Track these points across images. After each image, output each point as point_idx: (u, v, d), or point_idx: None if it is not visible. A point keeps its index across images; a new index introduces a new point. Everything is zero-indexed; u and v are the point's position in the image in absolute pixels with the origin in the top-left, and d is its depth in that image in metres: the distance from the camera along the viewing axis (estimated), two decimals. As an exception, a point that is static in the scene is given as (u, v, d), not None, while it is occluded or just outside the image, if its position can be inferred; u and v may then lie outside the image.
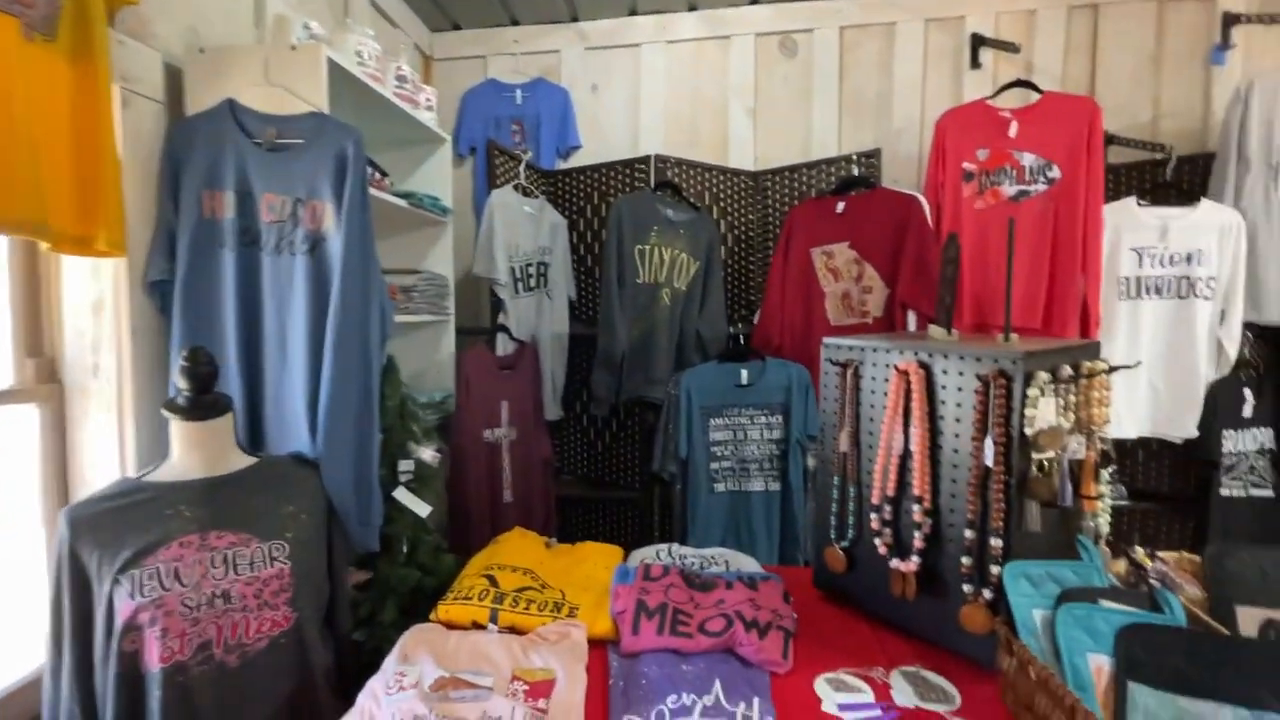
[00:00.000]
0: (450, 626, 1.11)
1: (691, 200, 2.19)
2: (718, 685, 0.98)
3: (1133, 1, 2.29)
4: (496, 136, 2.46)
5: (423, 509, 1.48)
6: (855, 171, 2.14)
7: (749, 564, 1.41)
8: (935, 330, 1.22)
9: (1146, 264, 2.02)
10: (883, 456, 1.12)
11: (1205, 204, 1.99)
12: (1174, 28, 2.32)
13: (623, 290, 2.04)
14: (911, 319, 1.99)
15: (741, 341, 2.19)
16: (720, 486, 2.05)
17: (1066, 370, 1.03)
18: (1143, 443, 2.20)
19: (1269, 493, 2.11)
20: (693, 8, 2.41)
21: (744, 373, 2.02)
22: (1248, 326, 2.05)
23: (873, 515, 1.14)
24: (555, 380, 2.21)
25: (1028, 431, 0.97)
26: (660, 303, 2.09)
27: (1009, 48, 2.28)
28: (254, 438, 1.31)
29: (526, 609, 1.15)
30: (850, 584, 1.23)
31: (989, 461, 0.99)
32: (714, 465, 2.04)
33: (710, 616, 1.11)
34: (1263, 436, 2.10)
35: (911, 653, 1.11)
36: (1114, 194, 2.12)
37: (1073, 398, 1.04)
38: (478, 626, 1.12)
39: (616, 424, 2.30)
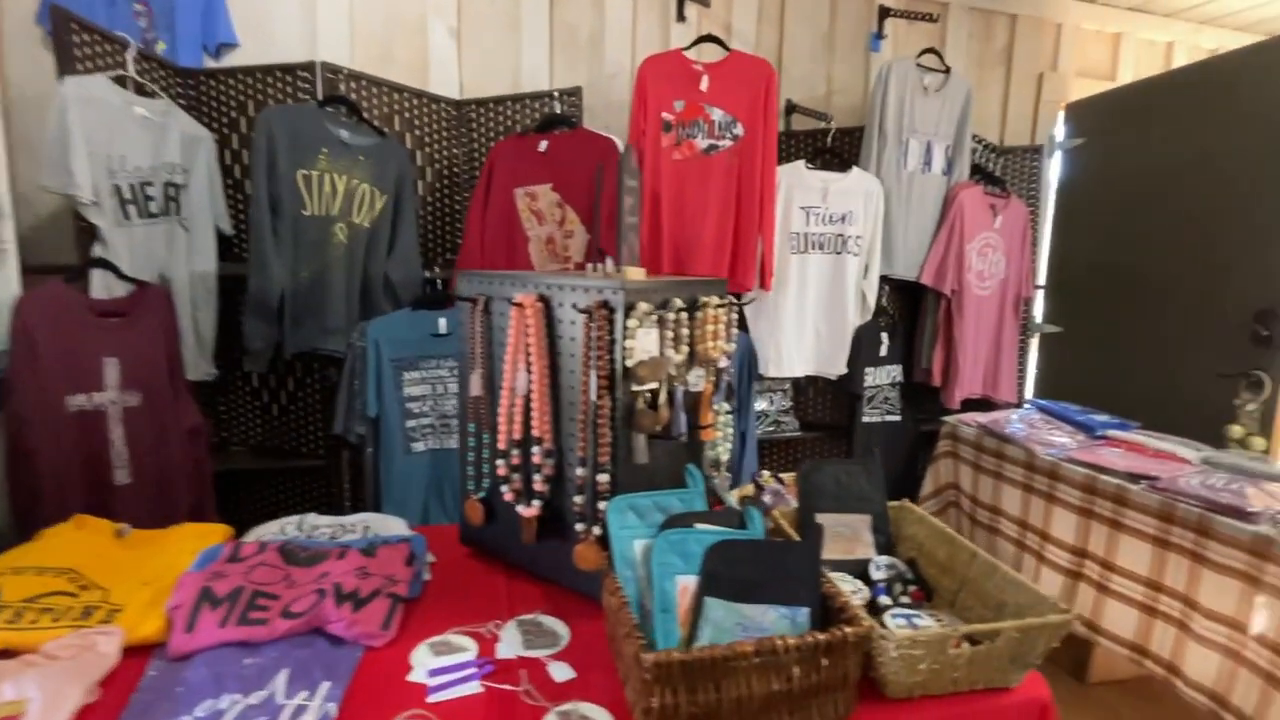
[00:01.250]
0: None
1: (377, 124, 1.91)
2: (282, 676, 0.82)
3: (811, -17, 2.51)
4: (111, 14, 1.88)
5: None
6: (558, 109, 2.05)
7: (396, 527, 1.26)
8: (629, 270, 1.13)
9: (813, 222, 2.26)
10: (506, 398, 1.04)
11: (855, 171, 2.28)
12: (844, 14, 2.60)
13: (279, 221, 1.71)
14: (610, 267, 1.98)
15: (440, 287, 2.00)
16: (419, 446, 1.87)
17: (677, 303, 1.03)
18: (812, 380, 2.51)
19: (898, 418, 2.56)
20: (380, -102, 2.08)
21: (441, 321, 1.84)
22: (885, 280, 2.43)
23: (499, 461, 1.06)
24: (202, 331, 1.80)
25: (628, 363, 0.95)
26: (334, 240, 1.80)
27: (703, 2, 2.35)
28: None
29: (35, 622, 0.87)
30: (490, 536, 1.16)
31: (592, 395, 0.95)
32: (410, 423, 1.85)
33: (302, 595, 0.94)
34: (894, 372, 2.54)
35: (540, 598, 1.06)
36: (796, 158, 2.33)
37: (685, 331, 1.06)
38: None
39: (294, 382, 1.98)
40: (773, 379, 2.38)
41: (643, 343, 0.94)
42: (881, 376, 2.49)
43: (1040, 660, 0.85)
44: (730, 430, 1.21)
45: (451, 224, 2.17)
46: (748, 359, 2.27)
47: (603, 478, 0.97)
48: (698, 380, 1.13)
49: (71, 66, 1.47)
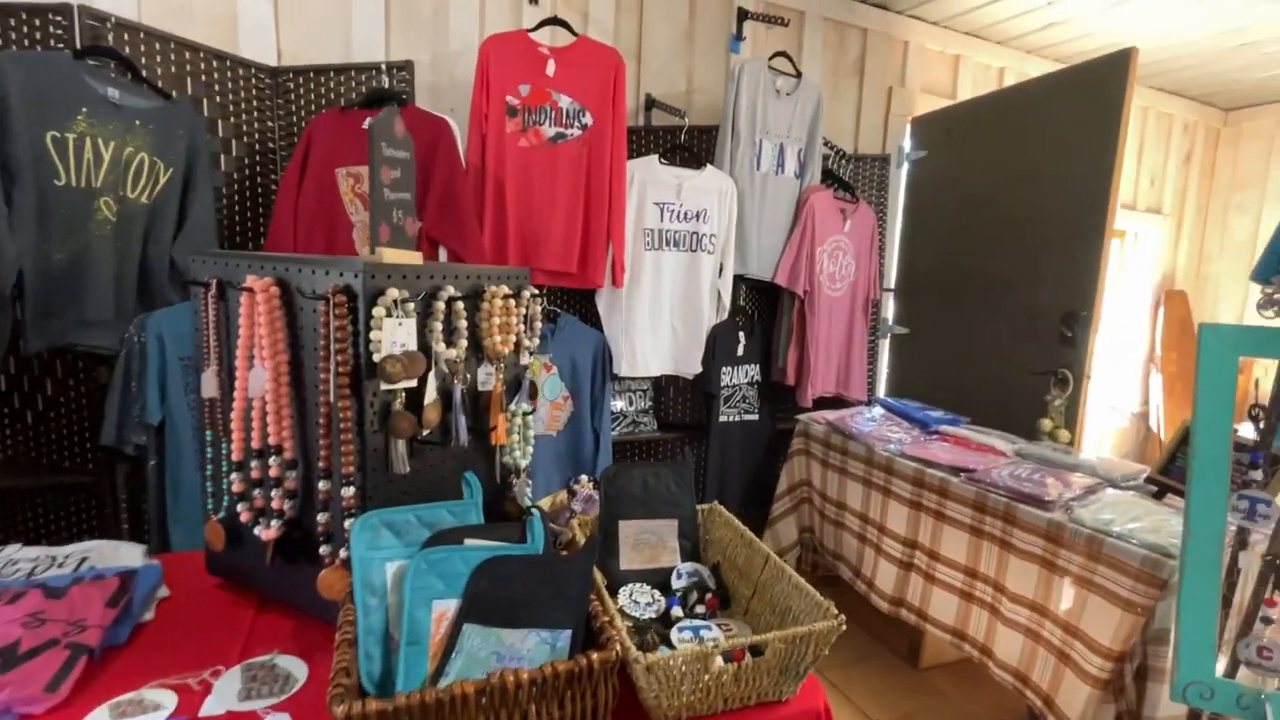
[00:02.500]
0: None
1: (160, 85, 1.65)
2: None
3: (671, -22, 2.48)
4: None
5: None
6: (386, 83, 1.87)
7: (128, 556, 1.05)
8: (390, 252, 0.98)
9: (667, 218, 2.22)
10: (240, 400, 0.88)
11: (710, 169, 2.26)
12: (703, 12, 2.59)
13: (17, 188, 1.42)
14: (443, 255, 1.83)
15: (243, 275, 1.77)
16: (217, 456, 1.62)
17: (449, 291, 0.92)
18: (672, 380, 2.48)
19: (755, 417, 2.58)
20: None
21: (243, 314, 1.61)
22: (741, 279, 2.43)
23: (234, 476, 0.90)
24: (-83, 323, 1.46)
25: (375, 358, 0.82)
26: (98, 216, 1.53)
27: (552, -16, 2.25)
28: None
29: None
30: (235, 563, 0.98)
31: (332, 396, 0.82)
32: (205, 430, 1.61)
33: (-67, 655, 0.74)
34: (752, 371, 2.55)
35: (287, 634, 0.91)
36: (652, 152, 2.28)
37: (463, 323, 0.94)
38: None
39: (52, 384, 1.67)
40: (631, 378, 2.32)
41: (393, 335, 0.82)
42: (739, 376, 2.50)
43: (812, 668, 0.81)
44: (531, 434, 1.11)
45: (265, 205, 1.93)
46: (602, 357, 2.19)
47: (348, 491, 0.83)
48: (486, 378, 1.02)
49: None
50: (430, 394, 0.88)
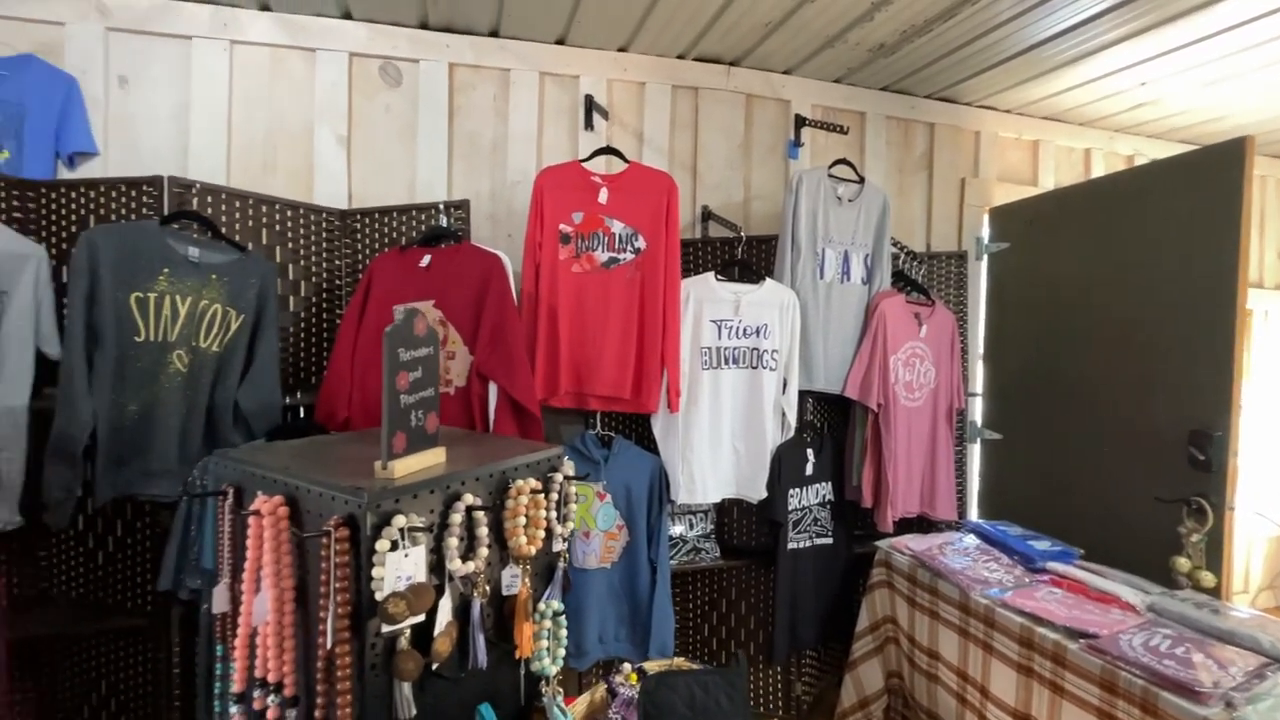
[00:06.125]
0: None
1: (238, 239, 1.75)
2: None
3: (725, 91, 2.49)
4: (-49, 125, 1.74)
5: None
6: (443, 222, 1.92)
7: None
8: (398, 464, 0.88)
9: (725, 335, 2.12)
10: (244, 626, 0.82)
11: (769, 282, 2.17)
12: (759, 120, 2.57)
13: (99, 350, 1.50)
14: (493, 392, 1.80)
15: (301, 415, 1.80)
16: (267, 599, 1.60)
17: (468, 500, 0.84)
18: (736, 500, 2.31)
19: (829, 540, 2.35)
20: (265, 7, 2.00)
21: (299, 455, 1.63)
22: (807, 393, 2.28)
23: (234, 709, 0.83)
24: (7, 474, 1.55)
25: (377, 597, 0.74)
26: (169, 369, 1.60)
27: (604, 114, 2.30)
28: None
29: None
30: (239, 793, 0.90)
31: (329, 640, 0.74)
32: (256, 573, 1.60)
33: None
34: (823, 490, 2.35)
35: None
36: (711, 266, 2.22)
37: (484, 530, 0.86)
38: None
39: (122, 526, 1.72)
40: (690, 505, 2.18)
41: (397, 569, 0.74)
42: (809, 497, 2.30)
43: None
44: (564, 633, 0.99)
45: (329, 340, 1.99)
46: (658, 484, 2.07)
47: (346, 747, 0.74)
48: (512, 581, 0.92)
49: None
50: (440, 624, 0.79)
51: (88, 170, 1.89)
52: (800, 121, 2.57)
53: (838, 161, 2.28)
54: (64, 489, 1.48)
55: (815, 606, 2.30)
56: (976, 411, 2.73)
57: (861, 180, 2.31)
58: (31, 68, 1.81)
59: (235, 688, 0.82)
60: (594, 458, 2.01)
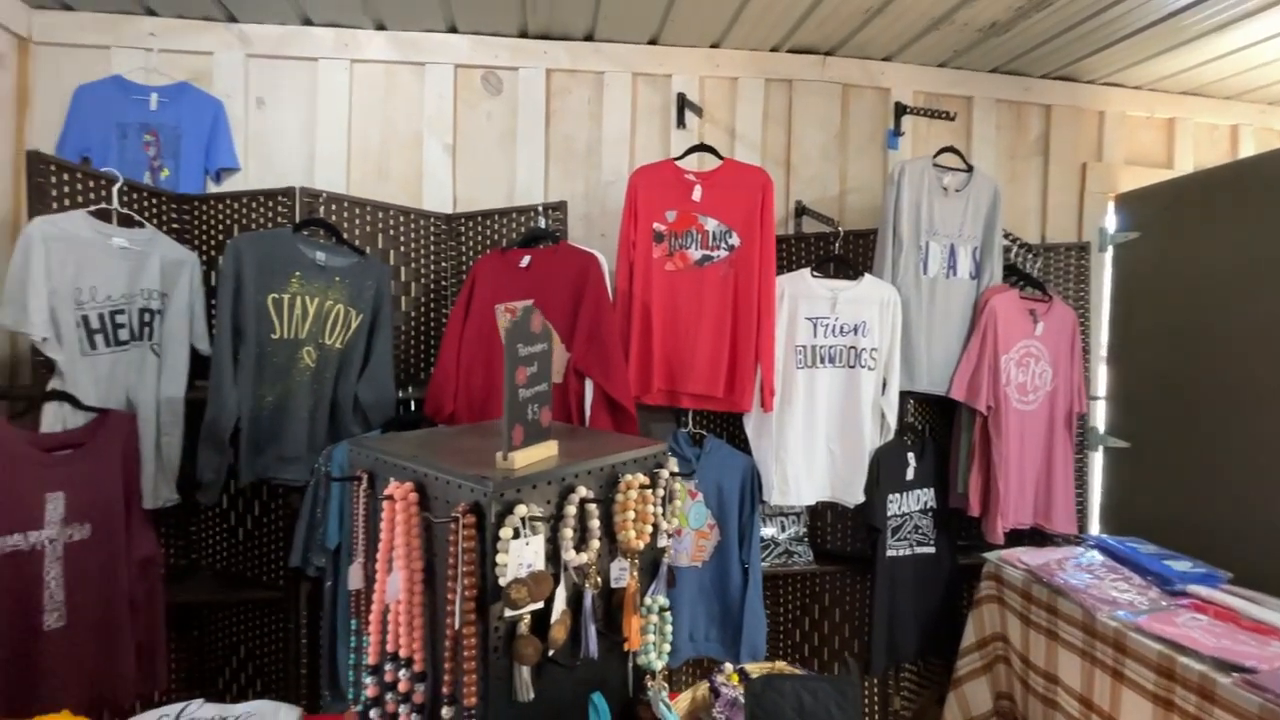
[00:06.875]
0: None
1: (358, 243, 1.89)
2: None
3: (820, 82, 2.42)
4: (123, 146, 1.98)
5: None
6: (541, 223, 1.98)
7: (286, 718, 1.10)
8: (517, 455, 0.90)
9: (820, 333, 2.06)
10: (378, 603, 0.88)
11: (868, 278, 2.08)
12: (856, 110, 2.48)
13: (243, 346, 1.66)
14: (589, 388, 1.84)
15: (413, 408, 1.91)
16: (382, 579, 1.72)
17: (581, 493, 0.86)
18: (830, 504, 2.24)
19: (931, 549, 2.23)
20: (381, 27, 2.14)
21: (411, 445, 1.73)
22: (908, 394, 2.17)
23: (368, 680, 0.89)
24: (167, 456, 1.75)
25: (500, 582, 0.77)
26: (300, 364, 1.74)
27: (697, 111, 2.28)
28: None
29: None
30: (371, 757, 0.97)
31: (457, 622, 0.78)
32: (373, 555, 1.72)
33: None
34: (925, 496, 2.23)
35: None
36: (805, 262, 2.17)
37: (595, 523, 0.88)
38: None
39: (260, 506, 1.89)
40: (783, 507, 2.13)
41: (519, 556, 0.77)
42: (910, 503, 2.19)
43: None
44: (669, 629, 1.00)
45: (437, 337, 2.10)
46: (751, 484, 2.04)
47: (471, 722, 0.78)
48: (620, 574, 0.94)
49: (47, 206, 1.50)
50: (557, 612, 0.81)
51: (231, 184, 2.09)
52: (901, 110, 2.46)
53: (943, 149, 2.16)
54: (215, 471, 1.65)
55: (915, 618, 2.19)
56: (1098, 417, 2.51)
57: (969, 169, 2.17)
58: (186, 94, 2.04)
59: (369, 660, 0.88)
60: (686, 456, 2.01)
